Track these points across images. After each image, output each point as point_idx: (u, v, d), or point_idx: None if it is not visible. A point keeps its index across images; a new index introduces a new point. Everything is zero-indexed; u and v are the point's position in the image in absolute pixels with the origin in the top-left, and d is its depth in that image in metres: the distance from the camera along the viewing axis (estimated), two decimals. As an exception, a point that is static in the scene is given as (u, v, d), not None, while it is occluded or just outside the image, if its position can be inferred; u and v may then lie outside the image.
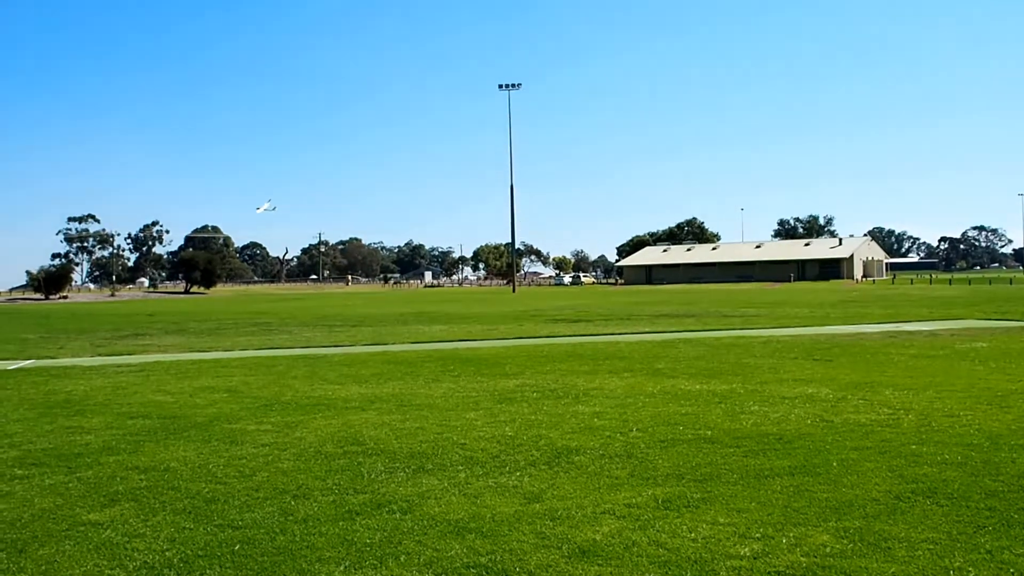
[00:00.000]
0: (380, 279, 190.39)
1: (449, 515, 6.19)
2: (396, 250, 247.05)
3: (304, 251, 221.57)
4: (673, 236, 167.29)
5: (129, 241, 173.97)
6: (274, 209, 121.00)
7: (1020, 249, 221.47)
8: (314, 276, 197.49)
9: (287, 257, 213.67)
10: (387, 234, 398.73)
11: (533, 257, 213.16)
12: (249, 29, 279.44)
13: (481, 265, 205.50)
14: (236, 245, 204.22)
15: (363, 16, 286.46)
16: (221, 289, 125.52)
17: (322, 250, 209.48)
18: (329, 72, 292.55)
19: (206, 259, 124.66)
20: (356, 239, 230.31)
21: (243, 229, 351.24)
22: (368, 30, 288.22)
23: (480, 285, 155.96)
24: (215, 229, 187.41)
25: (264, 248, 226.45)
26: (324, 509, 6.42)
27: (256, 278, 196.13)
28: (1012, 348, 17.45)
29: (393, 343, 22.28)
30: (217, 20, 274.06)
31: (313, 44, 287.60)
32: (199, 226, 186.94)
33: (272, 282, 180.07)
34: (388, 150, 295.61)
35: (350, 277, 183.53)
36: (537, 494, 6.71)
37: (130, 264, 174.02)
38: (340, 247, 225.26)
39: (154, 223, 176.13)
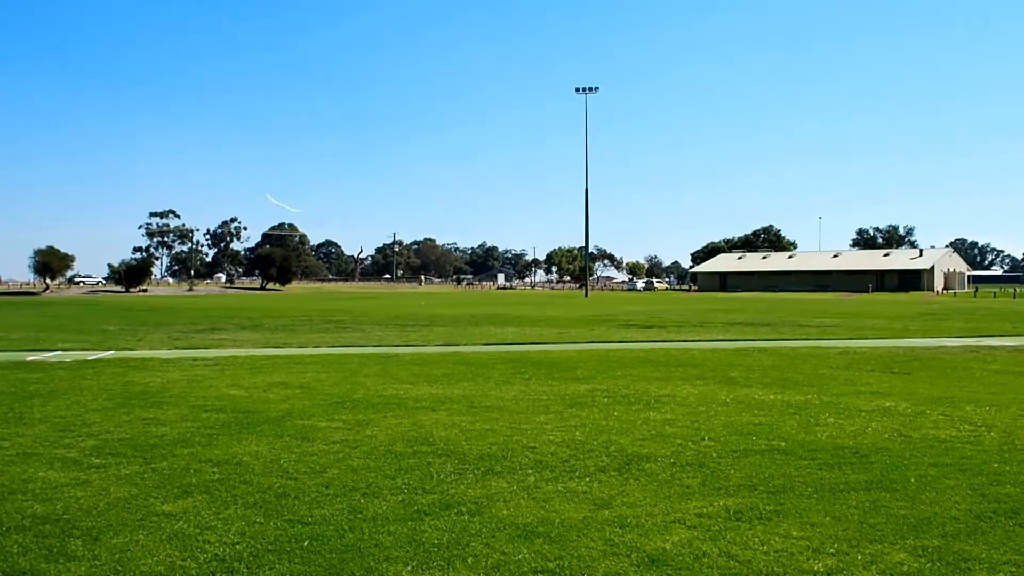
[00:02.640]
0: (453, 280, 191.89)
1: (517, 519, 6.20)
2: (469, 251, 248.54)
3: (378, 250, 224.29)
4: (748, 243, 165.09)
5: (208, 237, 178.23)
6: (296, 210, 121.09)
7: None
8: (387, 275, 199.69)
9: (361, 256, 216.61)
10: (461, 235, 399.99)
11: (606, 261, 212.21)
12: (328, 28, 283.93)
13: (554, 268, 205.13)
14: (312, 243, 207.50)
15: (441, 17, 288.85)
16: (296, 286, 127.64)
17: (396, 250, 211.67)
18: (407, 73, 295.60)
19: (282, 256, 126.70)
20: (430, 239, 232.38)
21: (319, 227, 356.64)
22: (445, 31, 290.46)
23: (552, 288, 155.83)
24: (292, 227, 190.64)
25: (339, 247, 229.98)
26: (393, 508, 6.48)
27: (331, 276, 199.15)
28: (1103, 366, 16.81)
29: (464, 344, 22.40)
30: (295, 17, 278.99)
31: (390, 45, 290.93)
32: (276, 223, 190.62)
33: (346, 280, 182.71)
34: (464, 151, 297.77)
35: (423, 277, 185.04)
36: (606, 500, 6.68)
37: (208, 259, 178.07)
38: (414, 247, 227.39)
39: (232, 219, 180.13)
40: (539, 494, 6.87)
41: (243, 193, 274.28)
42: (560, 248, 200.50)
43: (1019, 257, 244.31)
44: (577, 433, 9.43)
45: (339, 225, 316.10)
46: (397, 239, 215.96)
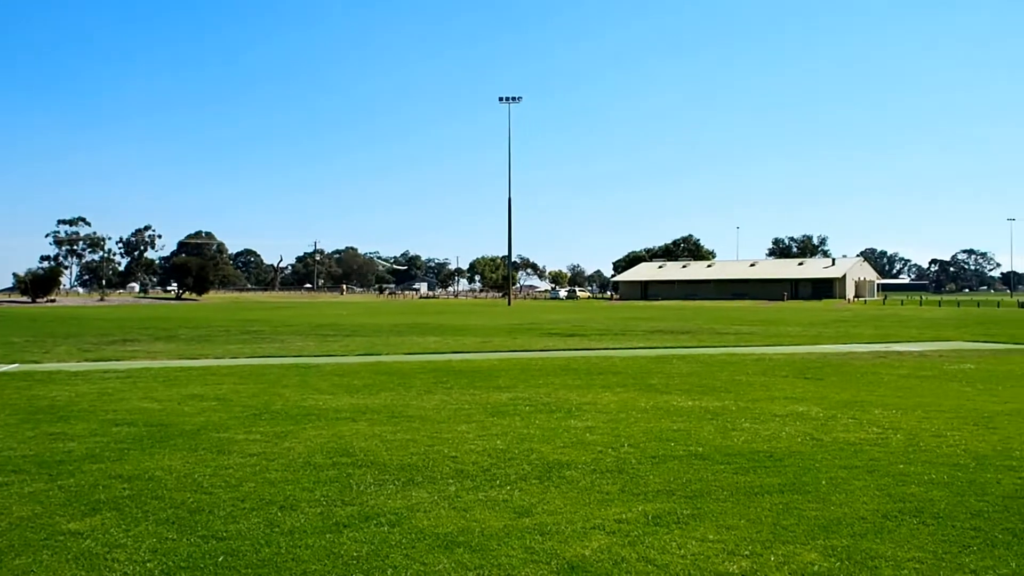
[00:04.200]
0: (375, 289, 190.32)
1: (438, 529, 6.19)
2: (392, 260, 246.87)
3: (299, 259, 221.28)
4: (669, 253, 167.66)
5: (121, 245, 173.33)
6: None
7: (1008, 273, 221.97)
8: (308, 285, 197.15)
9: (281, 265, 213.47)
10: (383, 244, 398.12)
11: (529, 271, 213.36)
12: (249, 37, 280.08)
13: (477, 277, 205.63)
14: (230, 252, 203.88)
15: (362, 27, 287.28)
16: (213, 296, 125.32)
17: (317, 259, 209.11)
18: (327, 82, 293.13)
19: (199, 265, 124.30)
20: (352, 248, 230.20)
21: (238, 236, 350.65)
22: (369, 40, 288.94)
23: (475, 297, 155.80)
24: (209, 235, 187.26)
25: (259, 255, 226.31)
26: (311, 521, 6.41)
27: (250, 286, 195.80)
28: (999, 370, 17.52)
29: (386, 354, 22.26)
30: (217, 27, 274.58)
31: (312, 55, 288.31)
32: (193, 232, 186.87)
33: (266, 290, 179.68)
34: (386, 160, 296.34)
35: (344, 286, 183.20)
36: (527, 508, 6.71)
37: (121, 269, 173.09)
38: (336, 256, 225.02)
39: (146, 227, 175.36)
40: (460, 503, 6.87)
41: (158, 201, 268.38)
42: (483, 257, 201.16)
43: (925, 266, 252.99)
44: (498, 442, 9.46)
45: (258, 234, 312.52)
46: (318, 248, 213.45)
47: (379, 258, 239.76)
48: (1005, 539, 5.87)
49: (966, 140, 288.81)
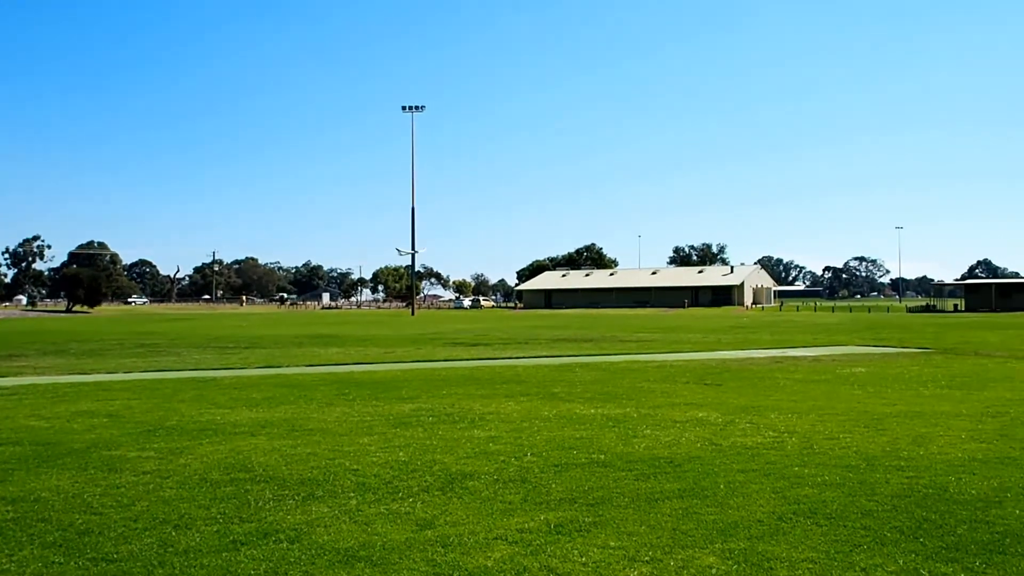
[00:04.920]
0: (276, 300, 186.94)
1: (338, 543, 6.08)
2: (293, 270, 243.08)
3: (197, 270, 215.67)
4: (572, 261, 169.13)
5: (7, 256, 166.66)
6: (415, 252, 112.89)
7: (897, 279, 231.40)
8: (207, 296, 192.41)
9: (178, 276, 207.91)
10: (284, 254, 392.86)
11: (433, 280, 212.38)
12: (141, 41, 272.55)
13: (380, 287, 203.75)
14: (124, 262, 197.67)
15: (259, 33, 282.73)
16: (107, 308, 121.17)
17: (216, 269, 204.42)
18: (225, 90, 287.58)
19: (91, 276, 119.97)
20: (252, 258, 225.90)
21: (132, 246, 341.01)
22: (270, 45, 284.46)
23: (379, 307, 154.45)
24: (101, 245, 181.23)
25: (154, 266, 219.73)
26: (207, 540, 6.22)
27: (145, 297, 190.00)
28: (888, 373, 18.17)
29: (287, 366, 21.88)
30: (107, 29, 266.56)
31: (209, 58, 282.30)
32: (85, 242, 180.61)
33: (162, 301, 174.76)
34: (287, 170, 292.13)
35: (244, 297, 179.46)
36: (430, 520, 6.65)
37: (7, 281, 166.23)
38: (235, 266, 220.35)
39: (35, 238, 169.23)
40: (361, 517, 6.77)
41: (47, 210, 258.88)
42: (387, 267, 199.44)
43: (819, 273, 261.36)
44: (401, 453, 9.38)
45: (154, 244, 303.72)
46: (217, 258, 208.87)
47: (280, 268, 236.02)
48: (893, 537, 6.07)
49: (857, 150, 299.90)
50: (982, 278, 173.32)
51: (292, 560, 5.74)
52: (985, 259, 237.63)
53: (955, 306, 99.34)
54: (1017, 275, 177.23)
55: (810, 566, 5.47)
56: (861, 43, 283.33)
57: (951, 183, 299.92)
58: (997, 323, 50.15)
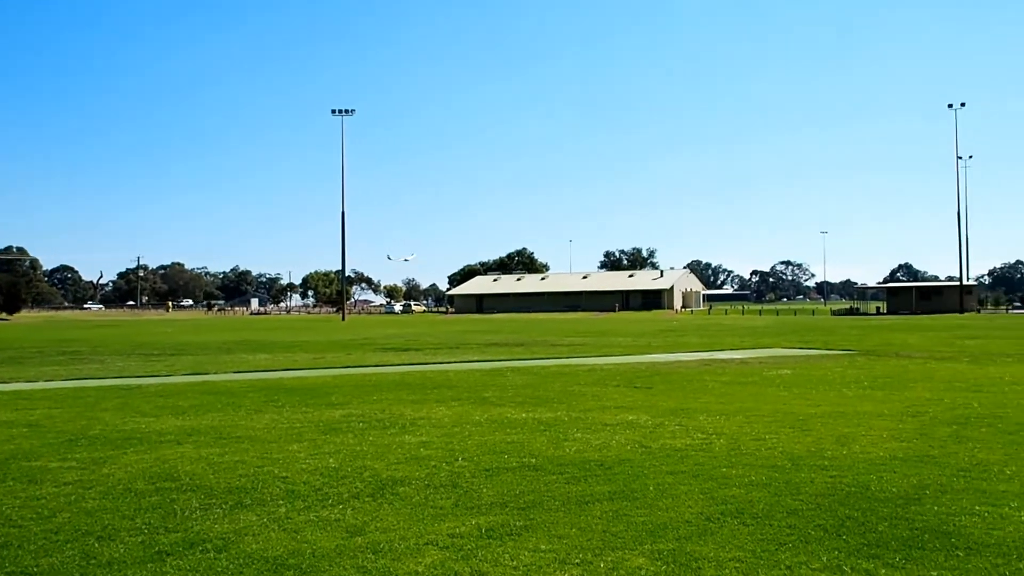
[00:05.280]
0: (203, 306, 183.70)
1: (267, 552, 6.00)
2: (221, 276, 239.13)
3: (121, 275, 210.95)
4: (504, 266, 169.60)
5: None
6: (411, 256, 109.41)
7: (822, 282, 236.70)
8: (132, 302, 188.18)
9: (102, 282, 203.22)
10: (212, 259, 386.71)
11: (364, 285, 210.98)
12: (58, 37, 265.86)
13: (310, 292, 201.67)
14: (44, 268, 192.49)
15: (188, 33, 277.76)
16: (26, 315, 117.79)
17: (140, 274, 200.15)
18: (148, 92, 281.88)
19: (9, 282, 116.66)
20: (178, 264, 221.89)
21: (52, 252, 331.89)
22: (197, 45, 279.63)
23: (309, 313, 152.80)
24: (20, 251, 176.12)
25: (76, 272, 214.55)
26: (131, 551, 6.09)
27: (67, 303, 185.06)
28: (813, 375, 18.57)
29: (214, 372, 21.51)
30: (21, 24, 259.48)
31: (135, 56, 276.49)
32: (2, 247, 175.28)
33: (85, 308, 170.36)
34: (214, 174, 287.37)
35: (170, 303, 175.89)
36: (360, 527, 6.60)
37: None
38: (160, 272, 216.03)
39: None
40: (290, 525, 6.69)
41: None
42: (316, 272, 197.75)
43: (747, 277, 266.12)
44: (331, 460, 9.29)
45: (76, 249, 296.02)
46: (142, 263, 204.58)
47: (208, 274, 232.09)
48: (817, 535, 6.20)
49: (782, 154, 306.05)
50: (903, 281, 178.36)
51: (220, 570, 5.65)
52: (906, 263, 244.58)
53: (877, 309, 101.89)
54: (936, 278, 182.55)
55: (737, 565, 5.57)
56: (787, 43, 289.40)
57: (874, 189, 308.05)
58: (917, 325, 51.60)
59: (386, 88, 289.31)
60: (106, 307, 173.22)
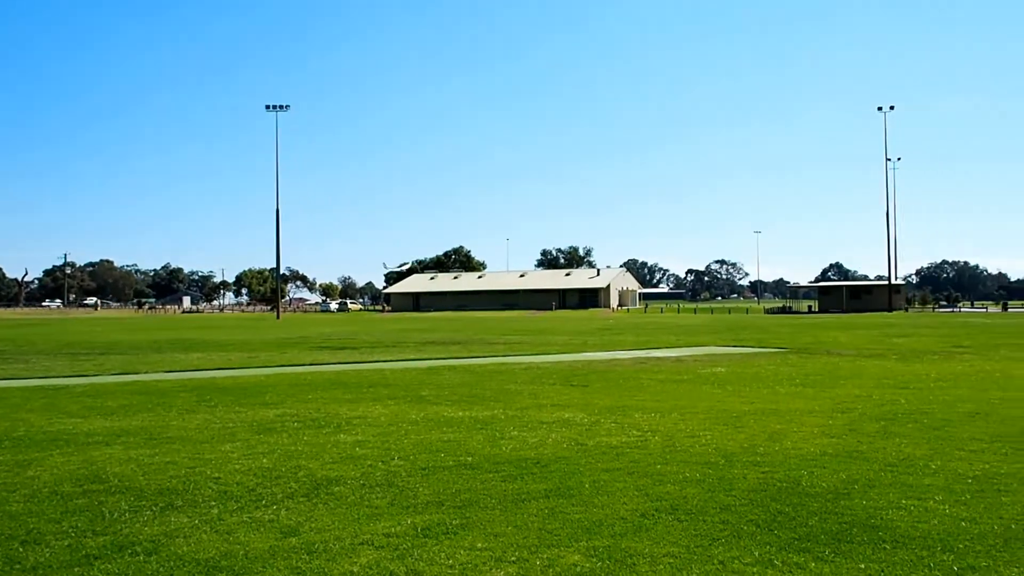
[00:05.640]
0: (133, 304, 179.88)
1: (198, 554, 5.90)
2: (152, 273, 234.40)
3: (47, 273, 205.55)
4: (441, 264, 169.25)
5: None
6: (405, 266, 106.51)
7: (755, 281, 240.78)
8: (59, 300, 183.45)
9: (27, 279, 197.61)
10: (142, 257, 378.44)
11: (299, 283, 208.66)
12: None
13: (244, 291, 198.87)
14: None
15: (118, 24, 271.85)
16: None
17: (68, 272, 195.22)
18: (80, 83, 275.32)
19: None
20: (107, 261, 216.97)
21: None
22: (122, 39, 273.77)
23: (243, 311, 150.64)
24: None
25: (0, 269, 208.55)
26: (58, 555, 5.93)
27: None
28: (746, 372, 18.86)
29: (145, 372, 21.09)
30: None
31: (65, 51, 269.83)
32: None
33: (9, 306, 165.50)
34: (144, 170, 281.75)
35: (99, 301, 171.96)
36: (294, 527, 6.53)
37: None
38: (88, 269, 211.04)
39: None
40: (223, 526, 6.58)
41: None
42: (251, 269, 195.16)
43: (682, 275, 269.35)
44: (264, 460, 9.17)
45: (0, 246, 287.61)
46: (69, 260, 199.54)
47: (138, 271, 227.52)
48: (749, 530, 6.29)
49: (717, 155, 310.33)
50: (834, 281, 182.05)
51: (149, 573, 5.54)
52: (837, 262, 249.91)
53: (809, 307, 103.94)
54: (866, 278, 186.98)
55: (671, 560, 5.62)
56: (726, 48, 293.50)
57: (806, 190, 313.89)
58: (847, 323, 52.72)
59: (323, 87, 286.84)
60: (30, 305, 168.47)
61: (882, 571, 5.39)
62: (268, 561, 5.74)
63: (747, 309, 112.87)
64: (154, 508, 7.18)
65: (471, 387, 16.32)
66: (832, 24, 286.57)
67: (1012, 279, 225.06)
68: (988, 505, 6.93)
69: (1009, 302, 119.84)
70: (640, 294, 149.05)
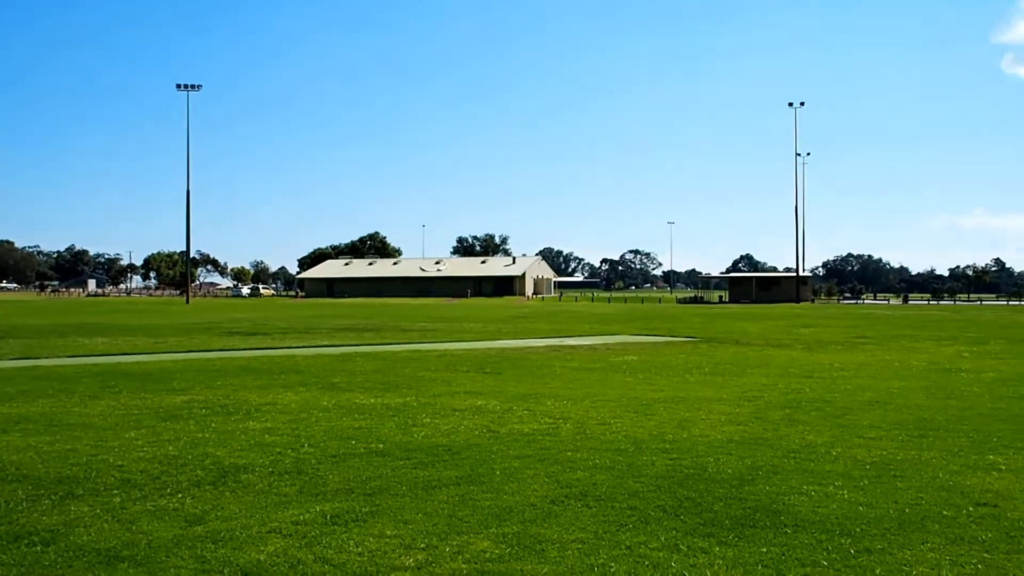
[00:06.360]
0: (35, 287, 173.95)
1: (99, 544, 5.75)
2: (55, 255, 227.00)
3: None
4: (356, 250, 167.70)
5: None
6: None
7: (668, 271, 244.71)
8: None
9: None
10: (45, 238, 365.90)
11: (210, 267, 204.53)
12: None
13: (152, 274, 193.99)
14: None
15: (30, 5, 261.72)
16: None
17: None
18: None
19: None
20: (8, 242, 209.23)
21: None
22: (27, 8, 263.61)
23: (151, 295, 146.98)
24: None
25: None
26: (-51, 544, 5.72)
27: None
28: (657, 361, 19.16)
29: (46, 357, 20.41)
30: None
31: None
32: None
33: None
34: (49, 149, 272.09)
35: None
36: (200, 516, 6.41)
37: None
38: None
39: None
40: (125, 515, 6.43)
41: None
42: (159, 252, 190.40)
43: (597, 265, 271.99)
44: (170, 448, 8.98)
45: None
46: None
47: (40, 252, 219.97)
48: (657, 516, 6.41)
49: (632, 145, 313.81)
50: (744, 272, 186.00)
51: (47, 563, 5.38)
52: (747, 254, 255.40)
53: (720, 297, 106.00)
54: (775, 269, 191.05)
55: (579, 546, 5.69)
56: (641, 40, 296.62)
57: (719, 182, 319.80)
58: (756, 314, 53.95)
59: (236, 68, 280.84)
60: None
61: (783, 555, 5.54)
62: (172, 550, 5.62)
63: (660, 299, 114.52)
64: (53, 497, 6.97)
65: (384, 374, 16.23)
66: (747, 20, 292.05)
67: (913, 272, 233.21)
68: (884, 490, 7.18)
69: (909, 295, 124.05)
70: (555, 282, 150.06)
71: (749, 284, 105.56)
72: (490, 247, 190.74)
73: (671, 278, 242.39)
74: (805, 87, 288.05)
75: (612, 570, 5.26)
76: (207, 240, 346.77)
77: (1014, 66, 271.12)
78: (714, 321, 42.15)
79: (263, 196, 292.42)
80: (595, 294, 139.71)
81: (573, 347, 23.69)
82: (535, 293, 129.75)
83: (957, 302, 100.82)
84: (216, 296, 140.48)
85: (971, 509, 6.60)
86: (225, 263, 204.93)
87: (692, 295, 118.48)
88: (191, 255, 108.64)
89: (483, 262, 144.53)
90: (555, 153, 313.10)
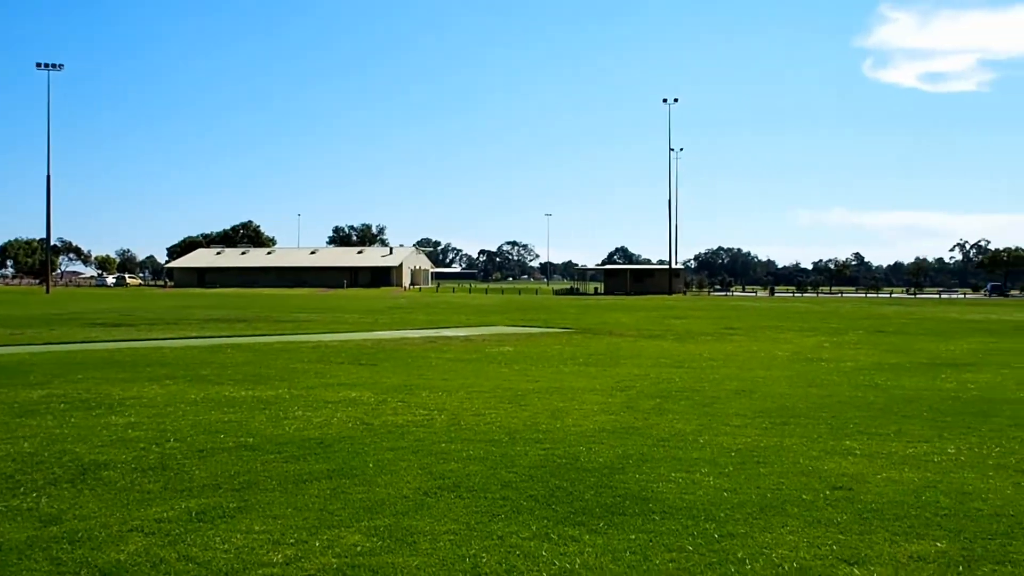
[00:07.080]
0: None
1: (-56, 547, 5.44)
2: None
3: None
4: (228, 239, 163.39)
5: None
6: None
7: (545, 263, 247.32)
8: None
9: None
10: None
11: (72, 255, 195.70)
12: None
13: (10, 263, 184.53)
14: None
15: None
16: None
17: None
18: None
19: None
20: None
21: None
22: None
23: (8, 284, 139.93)
24: None
25: None
26: None
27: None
28: (532, 352, 19.35)
29: None
30: None
31: None
32: None
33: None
34: None
35: None
36: (56, 515, 6.13)
37: None
38: None
39: None
40: (-27, 517, 6.10)
41: None
42: (17, 239, 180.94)
43: (475, 256, 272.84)
44: (26, 444, 8.57)
45: None
46: None
47: None
48: (529, 505, 6.46)
49: (510, 138, 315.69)
50: (619, 264, 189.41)
51: None
52: (622, 247, 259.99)
53: (595, 289, 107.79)
54: (649, 262, 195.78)
55: (451, 537, 5.69)
56: (519, 33, 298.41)
57: (595, 175, 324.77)
58: (630, 305, 55.10)
59: (102, 49, 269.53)
60: None
61: (650, 541, 5.67)
62: (25, 552, 5.37)
63: (537, 290, 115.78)
64: None
65: (255, 366, 15.88)
66: (625, 16, 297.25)
67: (779, 266, 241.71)
68: (748, 476, 7.43)
69: (776, 287, 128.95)
70: (433, 273, 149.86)
71: (624, 276, 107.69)
72: (367, 237, 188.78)
73: (548, 270, 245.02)
74: (680, 82, 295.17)
75: (483, 560, 5.28)
76: (70, 227, 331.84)
77: (875, 70, 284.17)
78: (589, 312, 42.84)
79: (130, 183, 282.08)
80: (473, 285, 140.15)
81: (449, 338, 23.70)
82: (412, 284, 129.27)
83: (820, 295, 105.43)
84: (79, 286, 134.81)
85: (828, 493, 6.89)
86: (89, 251, 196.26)
87: (568, 287, 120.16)
88: (52, 242, 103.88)
89: (360, 252, 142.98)
90: (433, 145, 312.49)
